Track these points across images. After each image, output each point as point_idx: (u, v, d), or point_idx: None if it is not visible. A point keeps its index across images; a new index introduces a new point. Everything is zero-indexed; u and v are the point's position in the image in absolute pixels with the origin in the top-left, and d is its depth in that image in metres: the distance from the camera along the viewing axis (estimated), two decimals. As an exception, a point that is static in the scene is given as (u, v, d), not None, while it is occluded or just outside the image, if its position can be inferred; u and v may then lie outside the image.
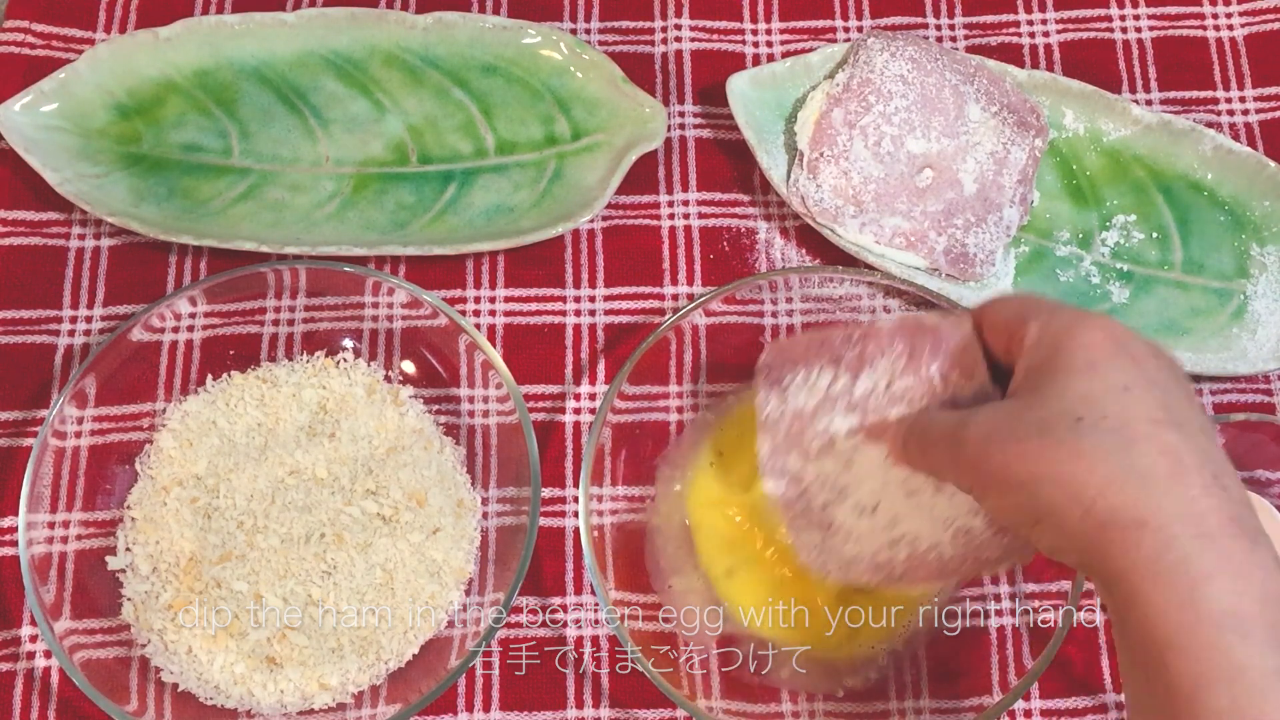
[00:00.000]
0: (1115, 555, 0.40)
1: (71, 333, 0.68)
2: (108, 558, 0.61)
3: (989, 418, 0.45)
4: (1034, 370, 0.45)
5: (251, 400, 0.64)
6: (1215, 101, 0.75)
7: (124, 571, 0.61)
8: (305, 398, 0.65)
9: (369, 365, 0.66)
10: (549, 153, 0.71)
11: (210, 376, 0.66)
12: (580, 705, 0.62)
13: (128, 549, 0.62)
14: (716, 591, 0.62)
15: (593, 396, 0.67)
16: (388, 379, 0.66)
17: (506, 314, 0.69)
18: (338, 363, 0.66)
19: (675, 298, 0.69)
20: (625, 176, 0.69)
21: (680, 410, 0.66)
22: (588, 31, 0.75)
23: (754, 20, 0.76)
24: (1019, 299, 0.48)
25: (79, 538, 0.62)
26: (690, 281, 0.70)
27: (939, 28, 0.76)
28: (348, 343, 0.67)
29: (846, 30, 0.76)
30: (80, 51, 0.73)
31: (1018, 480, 0.43)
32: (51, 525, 0.61)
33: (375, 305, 0.66)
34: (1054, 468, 0.42)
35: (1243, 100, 0.75)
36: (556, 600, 0.63)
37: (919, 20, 0.76)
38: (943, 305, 0.64)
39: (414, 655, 0.61)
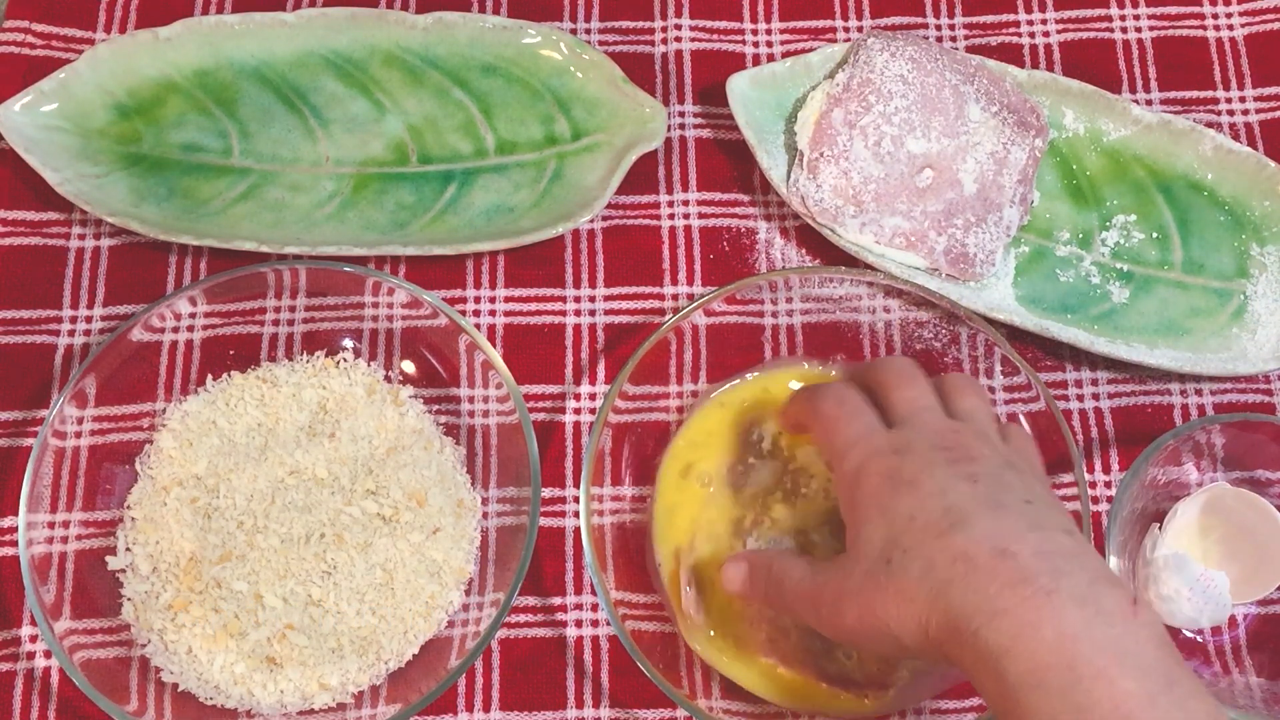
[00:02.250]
0: (956, 660, 0.47)
1: (71, 333, 0.68)
2: (108, 558, 0.61)
3: (830, 581, 0.51)
4: (848, 513, 0.52)
5: (251, 400, 0.64)
6: (1215, 101, 0.75)
7: (124, 571, 0.61)
8: (305, 398, 0.65)
9: (369, 365, 0.66)
10: (549, 153, 0.71)
11: (210, 376, 0.66)
12: (580, 705, 0.62)
13: (128, 549, 0.62)
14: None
15: (593, 396, 0.67)
16: (388, 379, 0.66)
17: (506, 314, 0.69)
18: (338, 363, 0.66)
19: (675, 298, 0.69)
20: (625, 176, 0.69)
21: (680, 410, 0.66)
22: (588, 31, 0.75)
23: (754, 20, 0.76)
24: (810, 414, 0.56)
25: (79, 538, 0.62)
26: (690, 281, 0.70)
27: (939, 28, 0.76)
28: (348, 343, 0.67)
29: (846, 30, 0.76)
30: (80, 51, 0.73)
31: (873, 630, 0.49)
32: (51, 525, 0.61)
33: (375, 305, 0.66)
34: (888, 611, 0.48)
35: (1243, 100, 0.75)
36: (556, 600, 0.63)
37: (919, 20, 0.76)
38: (943, 305, 0.64)
39: (414, 655, 0.61)
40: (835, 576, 0.51)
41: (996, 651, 0.44)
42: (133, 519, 0.62)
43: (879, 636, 0.49)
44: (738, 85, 0.70)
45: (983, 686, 0.46)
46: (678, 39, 0.75)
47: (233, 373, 0.66)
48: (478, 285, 0.69)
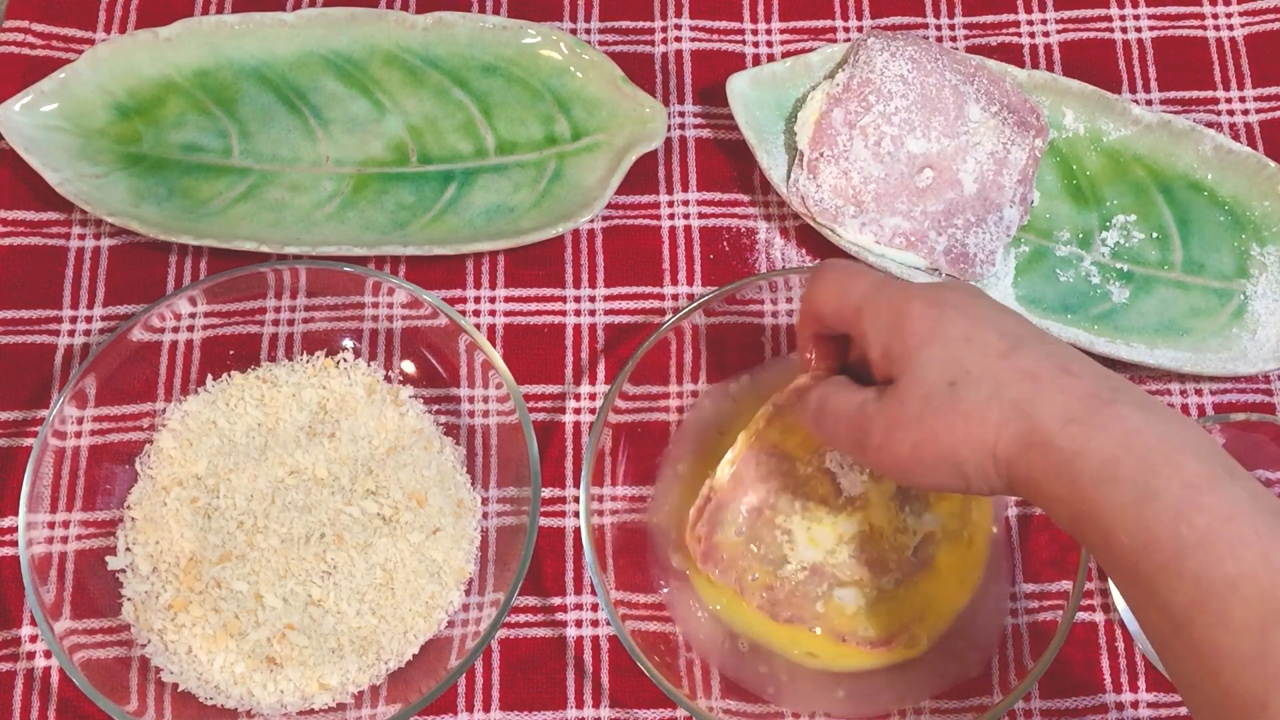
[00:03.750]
0: (1023, 478, 0.47)
1: (71, 333, 0.68)
2: (108, 558, 0.61)
3: (883, 410, 0.50)
4: (891, 352, 0.50)
5: (251, 400, 0.64)
6: (1215, 101, 0.75)
7: (124, 571, 0.61)
8: (305, 398, 0.65)
9: (369, 365, 0.66)
10: (549, 153, 0.71)
11: (210, 376, 0.66)
12: (580, 705, 0.62)
13: (128, 549, 0.62)
14: (720, 609, 0.62)
15: (593, 396, 0.67)
16: (388, 379, 0.66)
17: (506, 314, 0.69)
18: (338, 363, 0.66)
19: (675, 298, 0.69)
20: (625, 176, 0.69)
21: (680, 410, 0.66)
22: (588, 31, 0.75)
23: (754, 20, 0.76)
24: (838, 283, 0.54)
25: (79, 538, 0.62)
26: (690, 281, 0.70)
27: (939, 28, 0.76)
28: (348, 343, 0.67)
29: (846, 30, 0.76)
30: (80, 51, 0.73)
31: (933, 459, 0.49)
32: (51, 525, 0.61)
33: (375, 305, 0.66)
34: (955, 433, 0.48)
35: (1243, 100, 0.75)
36: (556, 600, 0.63)
37: (919, 20, 0.76)
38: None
39: (414, 655, 0.61)
40: (888, 405, 0.50)
41: (1069, 455, 0.45)
42: (133, 519, 0.62)
43: (938, 465, 0.49)
44: (738, 85, 0.70)
45: (1053, 496, 0.46)
46: (678, 39, 0.75)
47: (233, 373, 0.66)
48: (478, 285, 0.69)
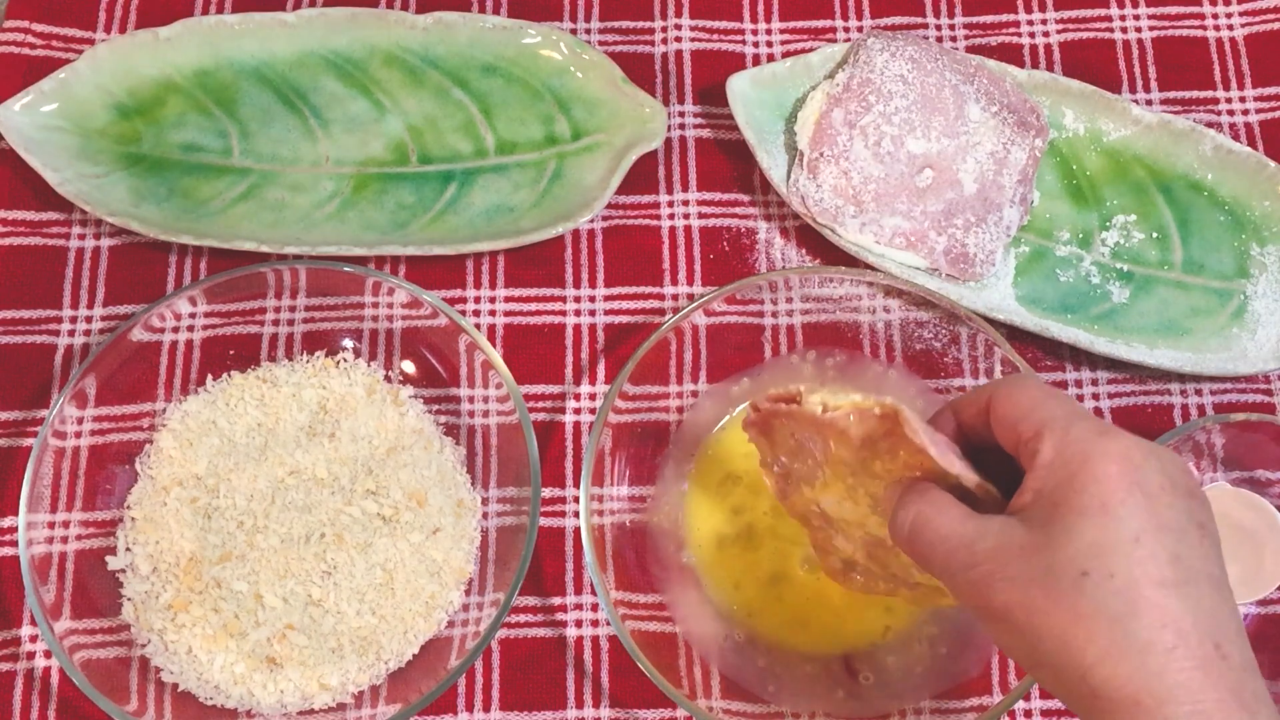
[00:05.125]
0: (1104, 716, 0.40)
1: (71, 333, 0.68)
2: (108, 558, 0.61)
3: (998, 545, 0.43)
4: (1045, 497, 0.43)
5: (251, 400, 0.64)
6: (1215, 101, 0.75)
7: (124, 571, 0.61)
8: (305, 398, 0.65)
9: (369, 365, 0.66)
10: (549, 153, 0.71)
11: (210, 376, 0.66)
12: (580, 705, 0.62)
13: (128, 549, 0.62)
14: (716, 596, 0.62)
15: (593, 396, 0.67)
16: (388, 379, 0.66)
17: (506, 314, 0.69)
18: (338, 363, 0.66)
19: (675, 298, 0.69)
20: (625, 176, 0.69)
21: (680, 410, 0.66)
22: (588, 31, 0.75)
23: (754, 20, 0.76)
24: (1035, 395, 0.45)
25: (79, 538, 0.62)
26: (690, 281, 0.70)
27: (939, 28, 0.76)
28: (348, 343, 0.67)
29: (846, 30, 0.76)
30: (80, 51, 0.73)
31: (1020, 625, 0.42)
32: (51, 525, 0.61)
33: (375, 305, 0.66)
34: (1055, 626, 0.41)
35: (1243, 100, 0.75)
36: (556, 600, 0.63)
37: (919, 20, 0.76)
38: (943, 305, 0.64)
39: (414, 655, 0.61)
40: (1002, 545, 0.43)
41: None
42: (133, 519, 0.62)
43: (1019, 633, 0.42)
44: (738, 85, 0.70)
45: None
46: (678, 39, 0.75)
47: (233, 373, 0.66)
48: (478, 285, 0.69)
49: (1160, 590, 0.40)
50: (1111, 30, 0.76)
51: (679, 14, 0.76)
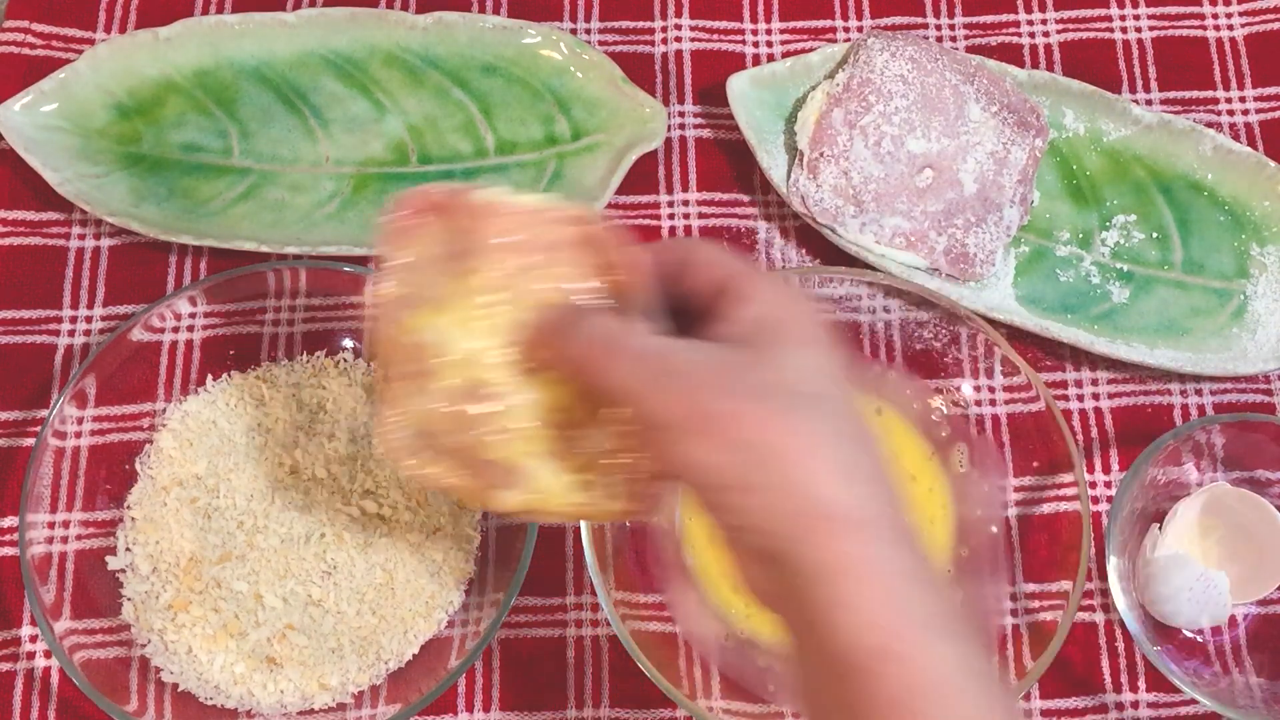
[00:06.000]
0: (829, 551, 0.39)
1: (71, 333, 0.68)
2: (108, 558, 0.61)
3: (705, 359, 0.40)
4: (756, 326, 0.42)
5: (251, 400, 0.64)
6: (1215, 101, 0.75)
7: (124, 571, 0.61)
8: (305, 398, 0.65)
9: (369, 365, 0.66)
10: (549, 153, 0.71)
11: (210, 376, 0.66)
12: (580, 705, 0.62)
13: (128, 549, 0.62)
14: (715, 596, 0.62)
15: (593, 396, 0.67)
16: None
17: (506, 314, 0.69)
18: (337, 363, 0.66)
19: (675, 298, 0.69)
20: (625, 176, 0.69)
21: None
22: (588, 31, 0.75)
23: (754, 20, 0.76)
24: (735, 259, 0.44)
25: (79, 538, 0.62)
26: (690, 281, 0.70)
27: (939, 28, 0.76)
28: (347, 343, 0.67)
29: (846, 30, 0.76)
30: (80, 51, 0.73)
31: (739, 443, 0.39)
32: (51, 525, 0.61)
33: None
34: (784, 442, 0.39)
35: (1243, 100, 0.75)
36: (556, 600, 0.63)
37: (919, 20, 0.76)
38: (943, 305, 0.64)
39: (414, 655, 0.61)
40: (711, 358, 0.41)
41: (896, 570, 0.40)
42: (133, 519, 0.62)
43: (739, 450, 0.39)
44: (738, 85, 0.70)
45: (843, 588, 0.39)
46: (678, 39, 0.75)
47: (233, 373, 0.66)
48: (478, 285, 0.69)
49: (863, 422, 0.41)
50: (1111, 30, 0.76)
51: (679, 14, 0.76)
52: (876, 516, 0.40)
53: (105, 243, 0.70)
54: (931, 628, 0.39)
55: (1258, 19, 0.77)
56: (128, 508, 0.63)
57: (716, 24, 0.76)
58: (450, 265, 0.44)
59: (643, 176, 0.71)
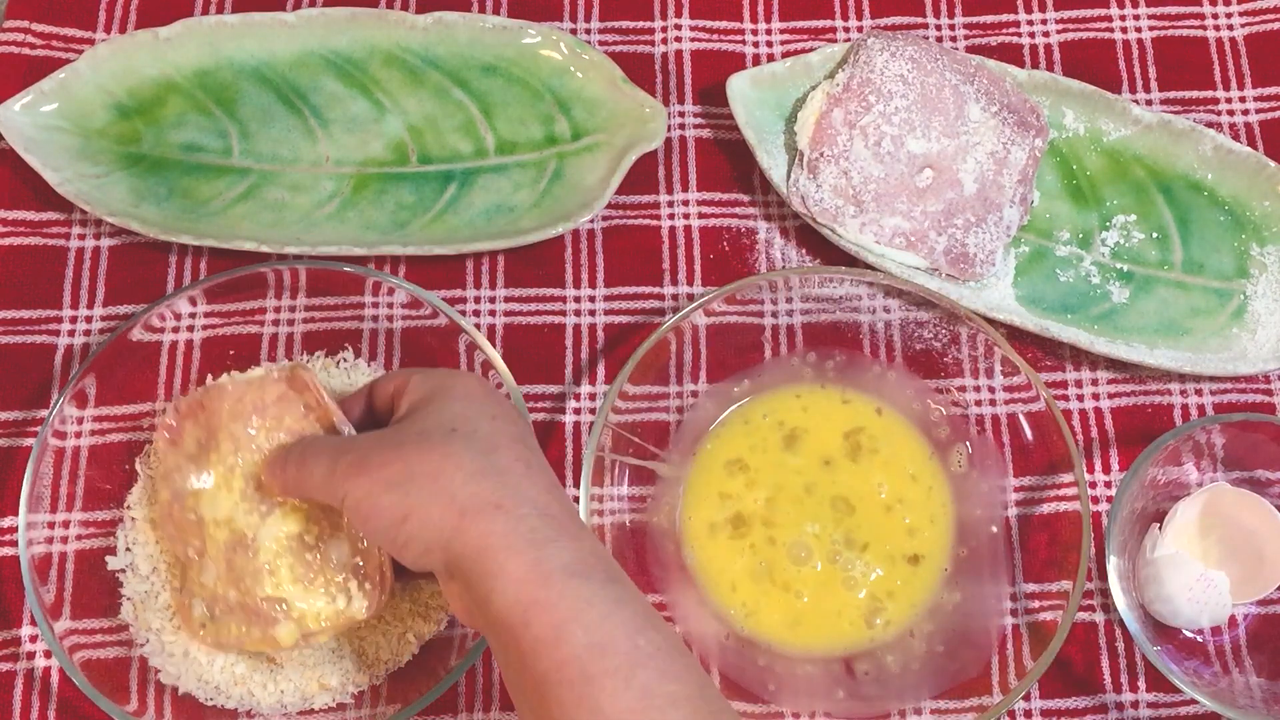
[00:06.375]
0: (473, 535, 0.46)
1: (71, 333, 0.68)
2: (108, 558, 0.61)
3: (378, 434, 0.51)
4: (416, 402, 0.52)
5: (251, 400, 0.64)
6: (1215, 101, 0.75)
7: (124, 571, 0.61)
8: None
9: (369, 365, 0.66)
10: (549, 153, 0.71)
11: (210, 376, 0.66)
12: (580, 705, 0.62)
13: (127, 549, 0.62)
14: (715, 596, 0.62)
15: (593, 396, 0.67)
16: (388, 379, 0.66)
17: (506, 314, 0.69)
18: (338, 362, 0.66)
19: (675, 298, 0.69)
20: (625, 176, 0.69)
21: (680, 410, 0.66)
22: (588, 31, 0.75)
23: (754, 20, 0.76)
24: (408, 370, 0.54)
25: (79, 538, 0.62)
26: (690, 281, 0.70)
27: (939, 28, 0.76)
28: (347, 343, 0.67)
29: (846, 30, 0.76)
30: (80, 51, 0.73)
31: (393, 480, 0.48)
32: (51, 525, 0.61)
33: (375, 305, 0.66)
34: (426, 466, 0.48)
35: (1243, 100, 0.75)
36: (556, 600, 0.63)
37: (919, 20, 0.76)
38: (943, 305, 0.64)
39: (414, 655, 0.61)
40: (376, 434, 0.51)
41: (541, 539, 0.46)
42: (133, 519, 0.62)
43: (389, 491, 0.48)
44: (738, 85, 0.70)
45: (496, 563, 0.46)
46: (678, 39, 0.75)
47: (233, 373, 0.66)
48: (478, 285, 0.69)
49: (513, 442, 0.50)
50: (1111, 30, 0.76)
51: (679, 14, 0.76)
52: (514, 500, 0.47)
53: (105, 243, 0.70)
54: (576, 573, 0.45)
55: (1258, 19, 0.77)
56: (127, 507, 0.63)
57: (716, 24, 0.76)
58: (207, 446, 0.56)
59: (643, 176, 0.71)
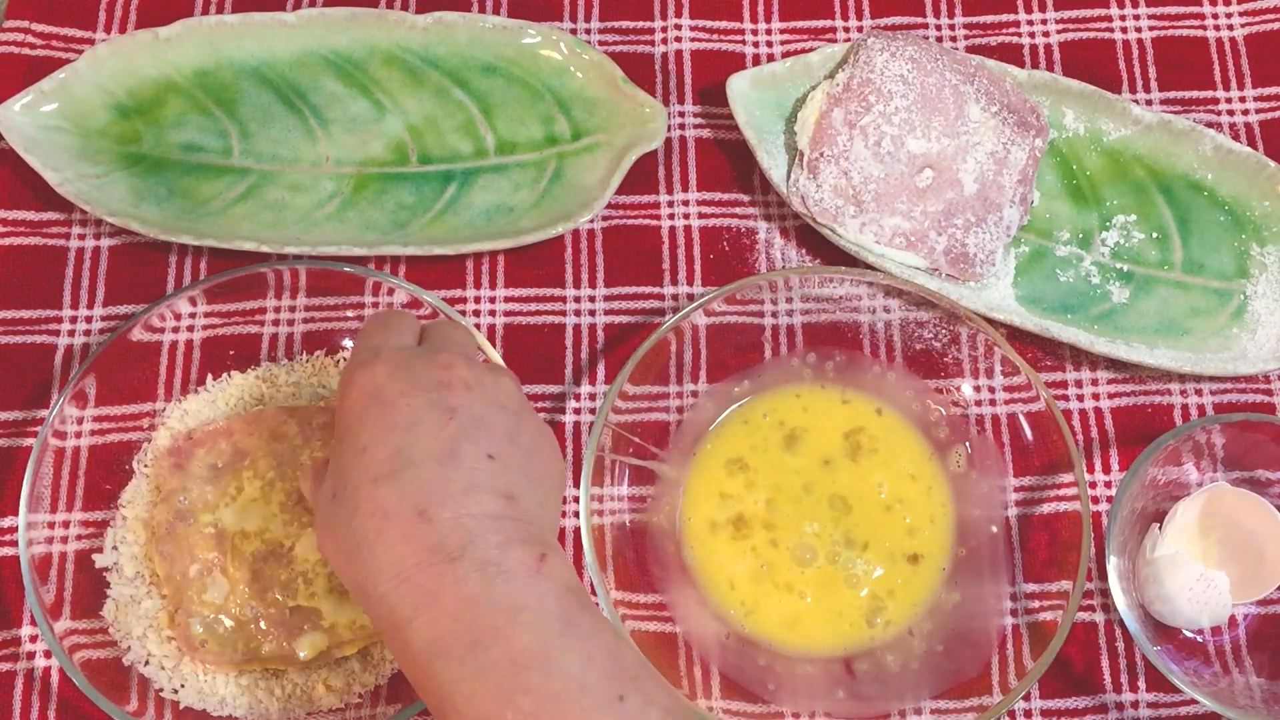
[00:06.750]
0: (374, 621, 0.45)
1: (71, 333, 0.68)
2: (94, 555, 0.61)
3: (320, 490, 0.49)
4: (334, 441, 0.49)
5: (251, 400, 0.64)
6: (1215, 101, 0.75)
7: (109, 570, 0.61)
8: (305, 398, 0.64)
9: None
10: (549, 153, 0.71)
11: (210, 376, 0.66)
12: (580, 705, 0.62)
13: (114, 547, 0.61)
14: (715, 596, 0.62)
15: (593, 396, 0.67)
16: (388, 379, 0.66)
17: (506, 314, 0.69)
18: (337, 362, 0.66)
19: (675, 298, 0.69)
20: (625, 176, 0.69)
21: (680, 410, 0.66)
22: (588, 31, 0.75)
23: (754, 20, 0.76)
24: (362, 345, 0.51)
25: (79, 538, 0.62)
26: (690, 281, 0.70)
27: (939, 28, 0.76)
28: (348, 343, 0.67)
29: (846, 30, 0.76)
30: (80, 51, 0.73)
31: (328, 557, 0.47)
32: (51, 525, 0.61)
33: (375, 305, 0.66)
34: (328, 548, 0.46)
35: (1243, 100, 0.75)
36: (556, 600, 0.63)
37: (919, 20, 0.76)
38: (943, 305, 0.64)
39: (414, 655, 0.61)
40: (317, 490, 0.49)
41: (401, 620, 0.43)
42: (124, 518, 0.62)
43: (333, 565, 0.47)
44: (738, 85, 0.70)
45: (395, 652, 0.44)
46: (678, 39, 0.75)
47: (232, 373, 0.66)
48: (478, 285, 0.69)
49: (373, 485, 0.45)
50: (1111, 30, 0.76)
51: (679, 14, 0.76)
52: (379, 574, 0.44)
53: (105, 243, 0.70)
54: (433, 654, 0.42)
55: (1258, 19, 0.77)
56: (119, 506, 0.62)
57: (716, 24, 0.76)
58: (228, 469, 0.60)
59: (643, 176, 0.71)
